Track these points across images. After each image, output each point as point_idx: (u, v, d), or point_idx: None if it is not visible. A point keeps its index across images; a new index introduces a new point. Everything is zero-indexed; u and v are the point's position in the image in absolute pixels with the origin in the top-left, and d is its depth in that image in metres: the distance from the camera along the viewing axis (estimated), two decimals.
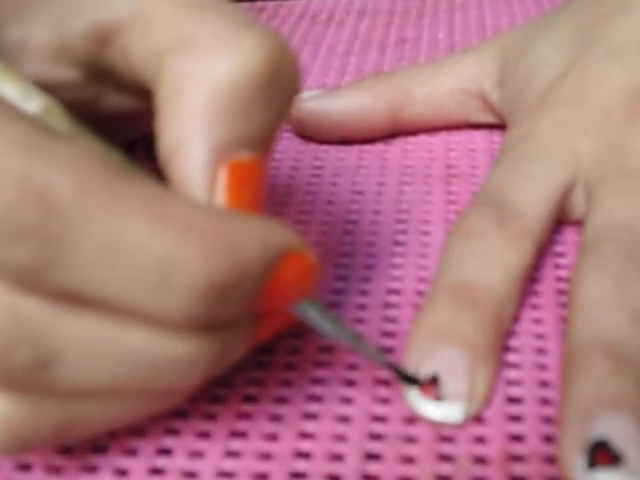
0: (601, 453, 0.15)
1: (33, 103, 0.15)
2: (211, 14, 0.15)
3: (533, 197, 0.21)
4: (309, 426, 0.18)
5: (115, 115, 0.19)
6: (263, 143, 0.15)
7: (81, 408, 0.15)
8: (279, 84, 0.15)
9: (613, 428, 0.15)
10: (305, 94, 0.28)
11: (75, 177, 0.13)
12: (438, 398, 0.17)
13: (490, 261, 0.20)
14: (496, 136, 0.28)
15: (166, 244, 0.13)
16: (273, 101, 0.15)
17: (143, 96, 0.17)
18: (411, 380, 0.17)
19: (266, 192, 0.16)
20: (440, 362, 0.17)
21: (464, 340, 0.18)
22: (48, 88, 0.17)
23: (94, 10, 0.16)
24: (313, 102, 0.28)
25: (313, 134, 0.29)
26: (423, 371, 0.17)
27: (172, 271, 0.13)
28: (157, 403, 0.16)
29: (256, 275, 0.14)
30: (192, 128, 0.14)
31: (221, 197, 0.15)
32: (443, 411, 0.17)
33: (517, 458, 0.17)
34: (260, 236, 0.14)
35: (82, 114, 0.17)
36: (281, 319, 0.16)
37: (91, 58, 0.17)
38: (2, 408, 0.14)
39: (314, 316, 0.16)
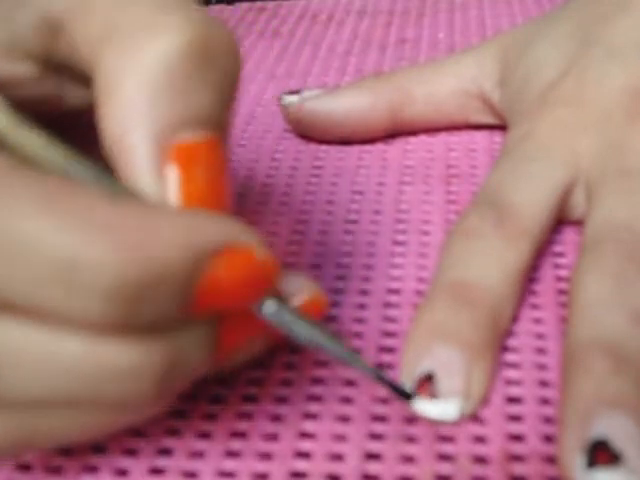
0: (601, 452, 0.15)
1: None
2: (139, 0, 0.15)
3: (532, 197, 0.21)
4: (309, 426, 0.18)
5: (79, 108, 0.18)
6: (211, 123, 0.15)
7: (37, 420, 0.14)
8: (213, 59, 0.15)
9: (613, 427, 0.15)
10: (305, 94, 0.28)
11: None
12: (434, 396, 0.17)
13: (488, 261, 0.20)
14: (496, 136, 0.28)
15: (70, 241, 0.12)
16: (210, 77, 0.15)
17: None
18: (398, 390, 0.17)
19: (229, 179, 0.15)
20: (436, 360, 0.18)
21: (461, 339, 0.18)
22: (6, 85, 0.16)
23: (43, 2, 0.16)
24: (313, 102, 0.28)
25: (313, 134, 0.29)
26: (419, 369, 0.18)
27: (78, 270, 0.12)
28: (121, 416, 0.15)
29: (179, 274, 0.13)
30: (131, 116, 0.14)
31: (173, 182, 0.14)
32: (439, 409, 0.17)
33: (517, 458, 0.17)
34: (182, 232, 0.13)
35: (45, 110, 0.17)
36: (252, 323, 0.15)
37: (44, 52, 0.16)
38: None
39: (281, 317, 0.15)
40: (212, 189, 0.14)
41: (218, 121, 0.15)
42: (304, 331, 0.15)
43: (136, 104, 0.14)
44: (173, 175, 0.14)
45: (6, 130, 0.14)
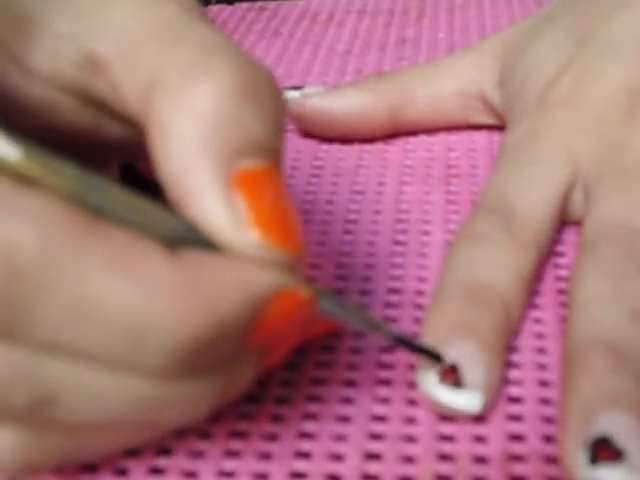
0: (603, 449, 0.15)
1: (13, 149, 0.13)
2: (181, 44, 0.15)
3: (537, 203, 0.21)
4: (309, 426, 0.18)
5: (116, 142, 0.19)
6: (267, 151, 0.15)
7: (86, 438, 0.15)
8: (260, 94, 0.15)
9: (614, 425, 0.15)
10: (307, 90, 0.28)
11: (42, 237, 0.12)
12: (457, 385, 0.17)
13: (499, 265, 0.20)
14: (496, 136, 0.28)
15: (136, 305, 0.12)
16: (260, 109, 0.15)
17: (139, 127, 0.16)
18: (435, 357, 0.17)
19: (292, 202, 0.15)
20: (459, 352, 0.17)
21: (480, 336, 0.18)
22: (45, 111, 0.17)
23: (86, 40, 0.16)
24: (315, 99, 0.28)
25: (314, 130, 0.29)
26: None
27: (145, 332, 0.13)
28: (164, 431, 0.16)
29: (238, 324, 0.13)
30: (191, 153, 0.14)
31: (242, 210, 0.14)
32: (463, 399, 0.17)
33: (517, 458, 0.17)
34: (240, 285, 0.13)
35: (83, 139, 0.17)
36: (290, 342, 0.16)
37: (82, 87, 0.17)
38: (9, 438, 0.14)
39: (337, 310, 0.16)
40: (279, 212, 0.15)
41: (273, 148, 0.15)
42: (354, 317, 0.16)
43: (195, 141, 0.14)
44: (241, 202, 0.14)
45: (73, 183, 0.14)
